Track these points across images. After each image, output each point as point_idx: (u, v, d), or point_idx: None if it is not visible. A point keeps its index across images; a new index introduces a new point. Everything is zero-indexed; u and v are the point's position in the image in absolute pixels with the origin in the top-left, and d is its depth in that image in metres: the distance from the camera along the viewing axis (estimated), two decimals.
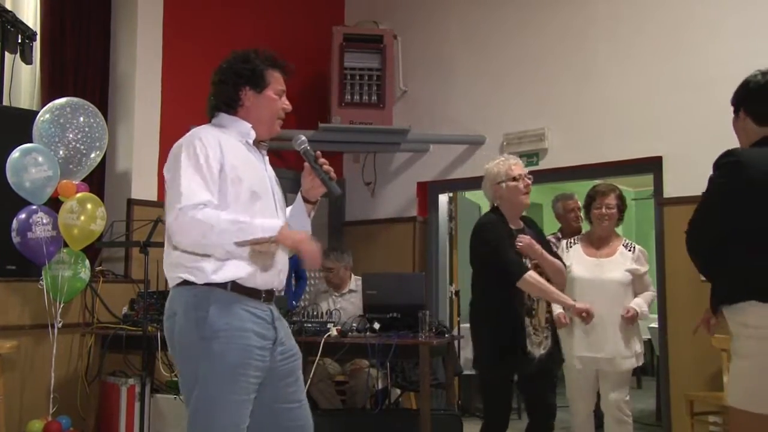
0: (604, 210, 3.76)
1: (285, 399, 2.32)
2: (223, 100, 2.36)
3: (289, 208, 2.48)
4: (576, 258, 3.75)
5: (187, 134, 2.28)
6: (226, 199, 2.19)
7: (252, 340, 2.19)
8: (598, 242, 3.83)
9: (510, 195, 3.28)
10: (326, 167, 2.34)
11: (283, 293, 4.86)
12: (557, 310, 3.60)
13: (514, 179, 3.27)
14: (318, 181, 2.35)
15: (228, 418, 2.16)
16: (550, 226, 7.74)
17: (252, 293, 2.23)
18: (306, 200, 2.43)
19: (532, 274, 3.12)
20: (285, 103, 2.43)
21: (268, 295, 2.29)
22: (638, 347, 3.85)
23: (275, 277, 2.31)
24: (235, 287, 2.20)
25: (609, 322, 3.69)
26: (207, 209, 2.10)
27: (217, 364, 2.15)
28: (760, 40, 4.59)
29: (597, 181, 5.48)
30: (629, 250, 3.85)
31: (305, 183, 2.41)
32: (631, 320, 3.70)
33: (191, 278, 2.20)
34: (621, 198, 3.84)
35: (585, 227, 4.60)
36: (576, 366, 3.71)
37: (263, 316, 2.26)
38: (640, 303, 3.77)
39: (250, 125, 2.35)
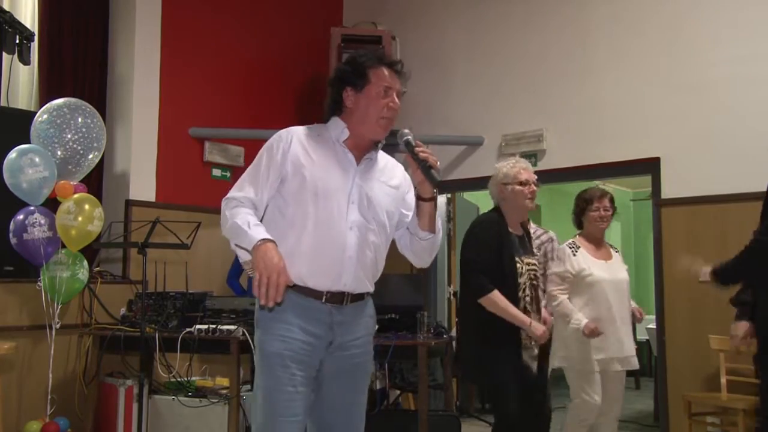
0: (602, 212, 3.85)
1: (330, 405, 2.27)
2: (330, 104, 2.34)
3: None
4: (589, 261, 3.79)
5: None
6: (283, 194, 2.21)
7: (294, 333, 2.16)
8: (596, 244, 3.89)
9: (513, 198, 3.29)
10: (423, 155, 2.19)
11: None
12: (582, 323, 3.61)
13: (521, 183, 3.28)
14: (421, 174, 2.19)
15: (272, 408, 2.15)
16: (549, 228, 7.74)
17: (308, 292, 2.20)
18: (421, 198, 2.27)
19: (496, 294, 3.08)
20: (391, 102, 2.28)
21: (332, 297, 2.21)
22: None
23: (334, 281, 2.20)
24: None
25: (625, 322, 3.77)
26: (238, 206, 2.14)
27: (260, 353, 2.20)
28: (756, 43, 4.60)
29: (595, 182, 5.49)
30: (616, 251, 3.96)
31: (414, 179, 2.26)
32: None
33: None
34: (613, 201, 3.96)
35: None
36: (613, 368, 3.71)
37: (318, 315, 2.20)
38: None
39: (344, 125, 2.29)
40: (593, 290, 3.72)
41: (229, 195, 2.20)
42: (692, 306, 4.70)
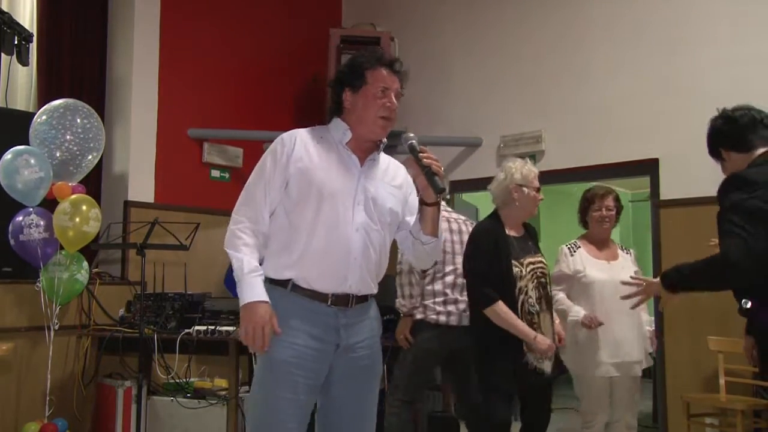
0: (604, 212, 3.72)
1: (339, 407, 2.27)
2: (331, 105, 2.36)
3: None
4: (586, 261, 3.69)
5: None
6: (290, 197, 2.23)
7: (302, 339, 2.17)
8: (599, 245, 3.78)
9: (525, 202, 3.28)
10: (427, 161, 2.19)
11: None
12: (580, 314, 3.54)
13: (537, 190, 3.31)
14: (425, 180, 2.19)
15: (272, 415, 2.15)
16: (547, 230, 7.74)
17: (314, 295, 2.20)
18: (424, 203, 2.26)
19: (500, 305, 3.06)
20: (388, 102, 2.28)
21: (338, 300, 2.21)
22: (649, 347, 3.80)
23: (340, 283, 2.21)
24: (295, 287, 2.20)
25: (628, 325, 3.60)
26: (242, 236, 2.18)
27: (265, 359, 2.18)
28: (753, 44, 4.61)
29: (593, 183, 5.48)
30: (627, 253, 3.84)
31: (416, 183, 2.28)
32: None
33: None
34: (618, 200, 3.84)
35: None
36: (611, 373, 3.57)
37: (324, 319, 2.20)
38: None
39: (347, 126, 2.30)
40: (589, 291, 3.62)
41: (235, 213, 2.23)
42: (691, 307, 4.70)
